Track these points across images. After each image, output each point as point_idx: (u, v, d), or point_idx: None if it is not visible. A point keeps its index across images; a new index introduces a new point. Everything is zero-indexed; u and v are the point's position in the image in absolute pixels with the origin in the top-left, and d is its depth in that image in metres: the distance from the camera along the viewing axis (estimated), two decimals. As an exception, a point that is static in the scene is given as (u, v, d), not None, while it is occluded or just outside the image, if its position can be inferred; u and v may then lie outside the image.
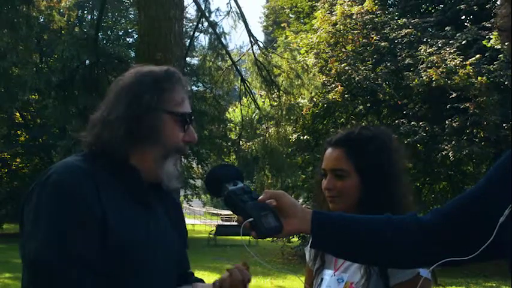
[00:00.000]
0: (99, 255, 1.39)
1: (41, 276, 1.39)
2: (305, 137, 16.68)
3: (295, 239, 15.85)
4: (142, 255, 1.49)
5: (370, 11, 16.18)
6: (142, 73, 1.60)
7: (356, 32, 16.22)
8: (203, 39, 23.94)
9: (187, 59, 14.93)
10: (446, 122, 13.95)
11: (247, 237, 1.45)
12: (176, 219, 1.71)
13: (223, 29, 13.19)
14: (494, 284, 12.07)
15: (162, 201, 1.64)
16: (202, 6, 12.35)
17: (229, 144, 17.28)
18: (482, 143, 13.87)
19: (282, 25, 19.92)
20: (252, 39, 12.50)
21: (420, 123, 14.32)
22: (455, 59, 13.98)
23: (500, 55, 13.75)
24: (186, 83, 1.64)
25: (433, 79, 13.88)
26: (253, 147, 15.11)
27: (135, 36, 22.99)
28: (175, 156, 1.59)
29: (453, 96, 13.80)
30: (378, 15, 16.44)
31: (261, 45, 13.27)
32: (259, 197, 1.45)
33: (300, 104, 15.26)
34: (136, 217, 1.50)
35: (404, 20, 16.20)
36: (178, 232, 1.70)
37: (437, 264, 1.42)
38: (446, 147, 13.67)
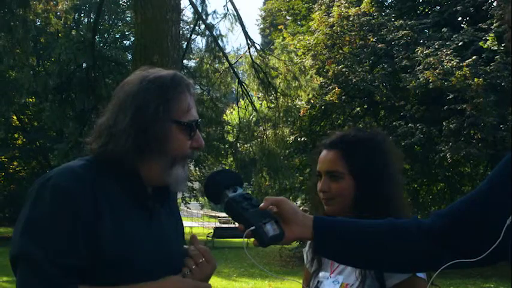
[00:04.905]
0: (81, 257, 1.38)
1: (22, 267, 1.38)
2: (302, 139, 16.70)
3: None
4: (142, 262, 1.48)
5: (367, 12, 16.20)
6: (148, 80, 1.55)
7: (353, 33, 16.24)
8: (200, 42, 23.91)
9: (184, 61, 14.92)
10: (444, 124, 13.94)
11: (248, 239, 1.44)
12: (178, 220, 1.72)
13: (220, 31, 13.23)
14: (492, 285, 12.06)
15: (165, 202, 1.63)
16: (199, 9, 12.40)
17: (226, 146, 17.29)
18: (479, 144, 13.88)
19: (279, 27, 19.92)
20: (249, 42, 12.54)
21: (417, 124, 14.33)
22: (452, 60, 13.98)
23: (497, 56, 13.77)
24: (193, 89, 1.61)
25: (430, 81, 13.87)
26: (251, 149, 15.13)
27: (132, 39, 22.94)
28: (183, 162, 1.57)
29: (450, 97, 13.80)
30: (375, 16, 16.45)
31: (258, 47, 13.31)
32: (260, 205, 1.44)
33: (297, 106, 15.29)
34: (138, 224, 1.50)
35: (401, 21, 16.21)
36: (178, 231, 1.69)
37: (445, 266, 1.41)
38: (443, 149, 13.68)
